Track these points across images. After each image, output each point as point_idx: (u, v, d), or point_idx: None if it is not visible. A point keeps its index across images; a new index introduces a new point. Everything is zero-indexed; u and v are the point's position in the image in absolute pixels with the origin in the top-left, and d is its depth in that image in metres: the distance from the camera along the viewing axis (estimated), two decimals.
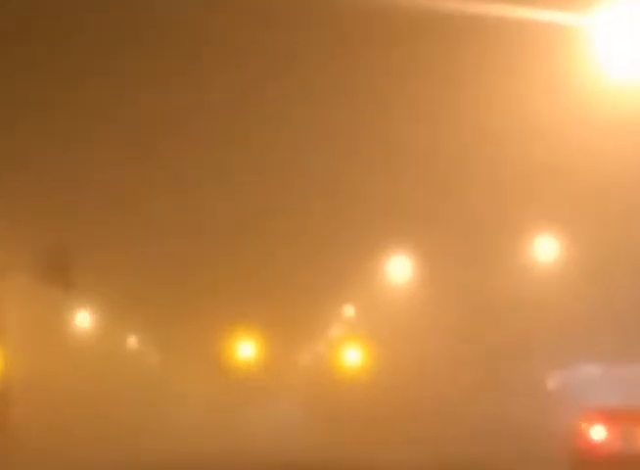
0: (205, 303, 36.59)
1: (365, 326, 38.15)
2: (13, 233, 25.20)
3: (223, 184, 31.32)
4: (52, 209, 28.19)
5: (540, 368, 36.23)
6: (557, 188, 28.70)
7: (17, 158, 25.81)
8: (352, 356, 37.06)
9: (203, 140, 28.88)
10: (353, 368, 37.57)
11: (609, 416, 16.01)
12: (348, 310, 39.99)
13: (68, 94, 24.74)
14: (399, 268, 33.26)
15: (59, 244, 25.61)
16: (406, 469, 23.74)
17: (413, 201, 30.70)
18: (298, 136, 28.44)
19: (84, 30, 23.27)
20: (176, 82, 26.32)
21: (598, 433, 15.73)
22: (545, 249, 30.39)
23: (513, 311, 33.06)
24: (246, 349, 34.05)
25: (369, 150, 29.79)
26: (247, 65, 25.31)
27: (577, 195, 28.52)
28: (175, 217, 33.24)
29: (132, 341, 47.83)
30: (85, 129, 27.00)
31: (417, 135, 27.30)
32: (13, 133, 24.70)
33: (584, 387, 34.32)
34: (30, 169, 27.13)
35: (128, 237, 33.39)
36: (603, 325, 32.12)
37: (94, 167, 28.60)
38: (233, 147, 28.94)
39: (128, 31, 23.48)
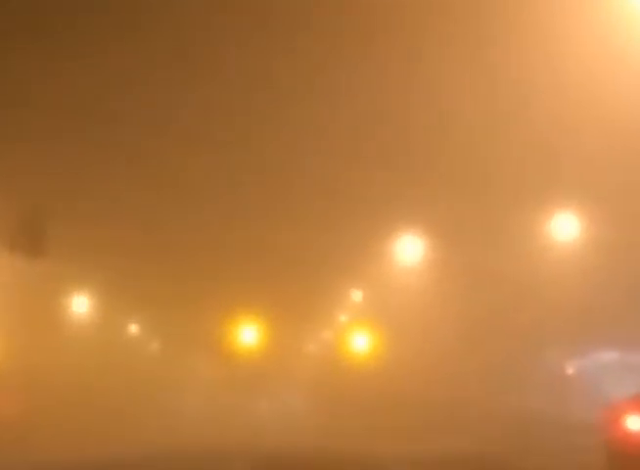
0: (206, 286, 34.77)
1: (373, 311, 36.29)
2: None
3: (225, 164, 29.41)
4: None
5: (558, 355, 34.59)
6: (577, 163, 26.91)
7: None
8: (360, 343, 35.36)
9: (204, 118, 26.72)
10: (361, 355, 35.87)
11: None
12: (356, 294, 37.98)
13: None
14: (409, 250, 31.38)
15: (32, 209, 23.73)
16: (414, 460, 23.30)
17: (424, 178, 28.86)
18: (304, 116, 26.65)
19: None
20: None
21: (635, 422, 14.86)
22: (564, 227, 28.60)
23: (529, 295, 31.28)
24: (248, 334, 32.22)
25: (379, 128, 27.54)
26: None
27: (600, 170, 26.70)
28: (176, 199, 31.22)
29: (131, 327, 45.94)
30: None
31: (427, 111, 25.76)
32: None
33: (606, 375, 32.69)
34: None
35: (127, 219, 31.78)
36: (624, 310, 30.51)
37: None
38: (236, 127, 27.30)
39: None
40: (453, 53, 22.30)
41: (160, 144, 27.13)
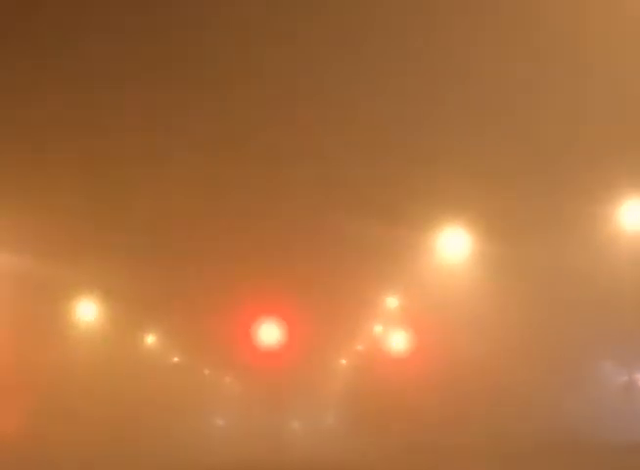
0: (230, 294, 30.92)
1: (414, 314, 32.23)
2: None
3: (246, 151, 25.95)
4: None
5: (625, 366, 30.60)
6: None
7: None
8: (400, 350, 31.50)
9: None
10: (401, 364, 32.05)
11: None
12: (392, 301, 33.75)
13: None
14: (454, 244, 27.44)
15: None
16: None
17: (470, 160, 25.06)
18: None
19: None
20: None
21: None
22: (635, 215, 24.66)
23: (593, 294, 27.28)
24: (271, 339, 28.29)
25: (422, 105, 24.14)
26: None
27: None
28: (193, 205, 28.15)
29: (149, 337, 41.71)
30: None
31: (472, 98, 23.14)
32: None
33: None
34: None
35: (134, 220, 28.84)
36: None
37: None
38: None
39: None
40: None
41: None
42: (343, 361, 47.49)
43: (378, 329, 36.66)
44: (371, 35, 21.15)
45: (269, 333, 28.55)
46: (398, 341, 32.72)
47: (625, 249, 25.16)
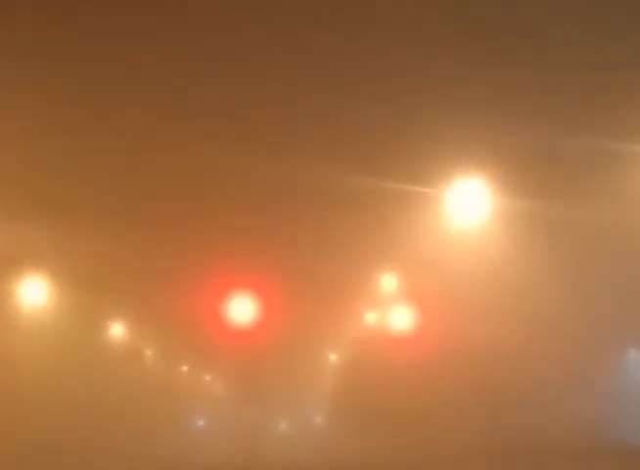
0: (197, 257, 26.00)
1: (418, 292, 27.26)
2: None
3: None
4: None
5: None
6: None
7: None
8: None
9: None
10: (401, 353, 27.31)
11: None
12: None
13: None
14: (465, 203, 22.57)
15: None
16: None
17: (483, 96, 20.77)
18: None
19: None
20: None
21: None
22: None
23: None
24: (245, 318, 23.33)
25: None
26: None
27: None
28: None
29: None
30: None
31: None
32: None
33: None
34: None
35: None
36: None
37: None
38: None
39: None
40: None
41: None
42: (332, 354, 42.33)
43: (374, 309, 31.44)
44: None
45: (243, 311, 23.69)
46: (399, 324, 27.83)
47: None
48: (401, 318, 27.81)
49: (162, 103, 22.44)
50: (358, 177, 22.20)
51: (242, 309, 23.59)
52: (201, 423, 48.44)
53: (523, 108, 21.11)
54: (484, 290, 23.74)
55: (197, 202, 25.40)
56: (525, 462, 25.13)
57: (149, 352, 42.99)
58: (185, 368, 47.28)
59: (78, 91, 21.99)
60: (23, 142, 23.05)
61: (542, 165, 21.25)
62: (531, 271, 22.72)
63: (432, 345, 27.59)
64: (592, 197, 21.61)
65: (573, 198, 21.28)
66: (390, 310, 28.44)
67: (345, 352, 39.15)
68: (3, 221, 25.21)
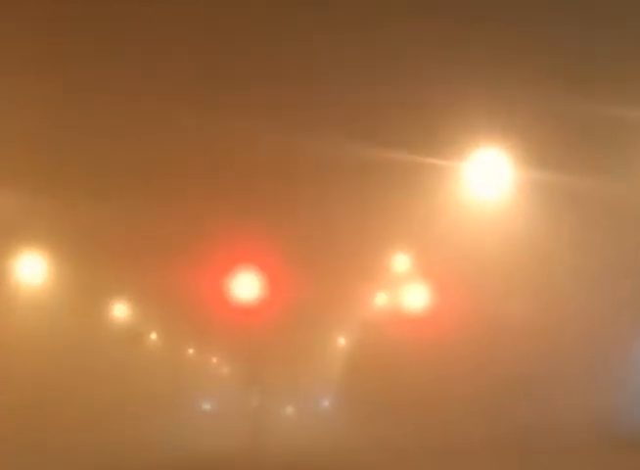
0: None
1: (434, 269, 25.82)
2: None
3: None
4: None
5: None
6: None
7: None
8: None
9: None
10: (415, 333, 25.93)
11: None
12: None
13: None
14: (483, 176, 21.18)
15: None
16: None
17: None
18: None
19: None
20: None
21: None
22: None
23: None
24: (249, 295, 22.04)
25: None
26: None
27: None
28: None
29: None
30: None
31: None
32: None
33: None
34: None
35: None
36: None
37: None
38: None
39: None
40: None
41: None
42: (341, 335, 40.95)
43: (386, 288, 29.93)
44: None
45: (248, 288, 22.41)
46: (412, 304, 26.43)
47: None
48: (414, 298, 26.38)
49: (163, 76, 21.43)
50: (369, 148, 20.88)
51: (246, 286, 22.35)
52: (206, 407, 47.43)
53: (545, 73, 19.80)
54: (503, 268, 22.39)
55: (201, 175, 24.16)
56: (541, 452, 23.77)
57: (151, 332, 41.79)
58: (189, 349, 46.12)
59: (79, 56, 21.03)
60: (23, 113, 22.01)
61: (565, 135, 19.88)
62: (553, 248, 21.34)
63: (446, 326, 26.25)
64: (617, 168, 20.25)
65: (597, 170, 19.90)
66: (403, 290, 27.01)
67: (355, 334, 37.81)
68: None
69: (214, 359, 49.11)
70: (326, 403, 43.38)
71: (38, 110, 21.58)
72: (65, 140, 23.41)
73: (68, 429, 29.88)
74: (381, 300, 31.36)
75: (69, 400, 31.00)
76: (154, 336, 42.84)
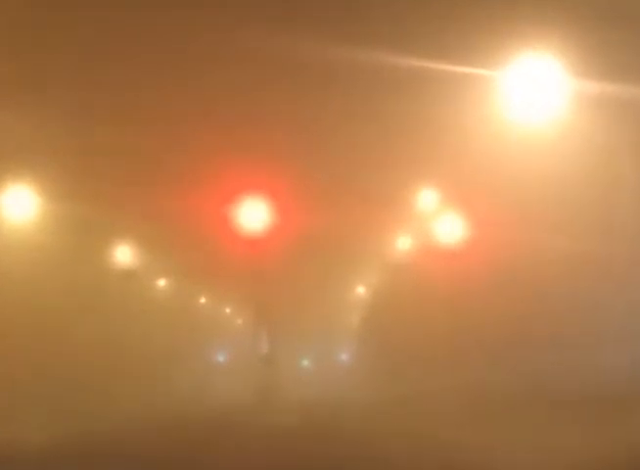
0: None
1: (467, 204, 22.88)
2: None
3: None
4: None
5: None
6: None
7: None
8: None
9: None
10: (444, 276, 23.20)
11: None
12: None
13: None
14: (528, 88, 18.16)
15: None
16: None
17: None
18: None
19: None
20: None
21: None
22: None
23: None
24: (257, 225, 19.29)
25: None
26: None
27: None
28: None
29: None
30: None
31: None
32: None
33: None
34: None
35: None
36: None
37: None
38: None
39: None
40: None
41: None
42: (361, 281, 38.06)
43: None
44: None
45: (256, 217, 19.65)
46: (441, 241, 23.50)
47: None
48: (444, 235, 23.39)
49: None
50: (392, 57, 17.94)
51: (254, 215, 19.63)
52: (220, 358, 45.58)
53: None
54: (550, 197, 19.48)
55: (204, 91, 21.33)
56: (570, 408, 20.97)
57: (159, 277, 39.35)
58: (200, 297, 43.75)
59: None
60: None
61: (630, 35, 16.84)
62: (611, 177, 18.33)
63: (479, 270, 23.44)
64: None
65: None
66: (432, 225, 24.03)
67: (376, 277, 34.82)
68: None
69: (227, 310, 46.93)
70: (343, 357, 41.07)
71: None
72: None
73: (68, 380, 27.85)
74: (406, 236, 28.38)
75: (67, 355, 28.57)
76: (162, 282, 40.41)
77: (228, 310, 47.62)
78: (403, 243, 29.04)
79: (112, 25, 19.63)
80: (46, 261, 27.47)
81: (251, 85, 20.07)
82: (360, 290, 39.80)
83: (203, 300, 44.58)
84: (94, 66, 21.47)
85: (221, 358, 46.90)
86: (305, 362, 42.25)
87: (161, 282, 40.42)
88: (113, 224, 29.22)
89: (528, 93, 17.96)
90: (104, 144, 23.42)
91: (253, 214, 19.68)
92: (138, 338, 34.34)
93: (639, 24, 16.95)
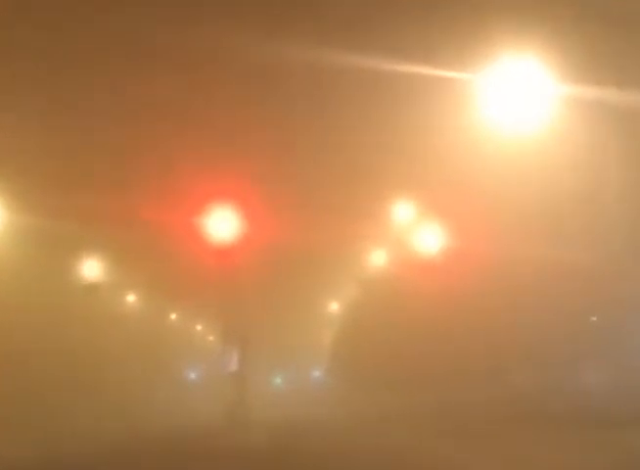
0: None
1: (449, 210, 22.08)
2: None
3: None
4: None
5: None
6: None
7: None
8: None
9: None
10: (419, 288, 22.49)
11: None
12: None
13: None
14: (507, 90, 17.42)
15: None
16: None
17: None
18: None
19: None
20: None
21: None
22: None
23: None
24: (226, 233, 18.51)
25: None
26: None
27: None
28: None
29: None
30: None
31: None
32: None
33: None
34: None
35: None
36: None
37: None
38: None
39: None
40: None
41: None
42: (333, 306, 37.49)
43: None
44: None
45: (226, 226, 18.88)
46: (419, 252, 22.72)
47: None
48: (421, 247, 22.55)
49: None
50: (369, 59, 17.27)
51: (224, 225, 18.87)
52: (192, 376, 44.92)
53: None
54: (530, 207, 18.82)
55: (172, 103, 20.54)
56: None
57: (128, 293, 38.48)
58: (168, 310, 42.94)
59: None
60: None
61: (611, 39, 16.27)
62: (596, 183, 17.64)
63: (455, 283, 22.73)
64: None
65: None
66: (408, 237, 23.21)
67: (350, 291, 33.98)
68: None
69: (198, 326, 46.14)
70: (316, 374, 40.35)
71: None
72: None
73: (40, 397, 27.20)
74: (381, 249, 27.57)
75: (27, 375, 27.69)
76: (131, 298, 39.53)
77: (199, 327, 46.77)
78: (378, 256, 28.25)
79: (87, 30, 19.15)
80: (8, 276, 26.52)
81: (221, 96, 19.37)
82: (334, 306, 39.11)
83: (173, 315, 43.70)
84: (60, 76, 20.94)
85: (193, 376, 46.06)
86: (278, 380, 41.55)
87: (130, 298, 39.52)
88: (78, 237, 28.26)
89: (509, 97, 17.29)
90: (70, 157, 22.72)
91: (223, 224, 18.88)
92: (105, 355, 33.51)
93: (621, 28, 16.44)
